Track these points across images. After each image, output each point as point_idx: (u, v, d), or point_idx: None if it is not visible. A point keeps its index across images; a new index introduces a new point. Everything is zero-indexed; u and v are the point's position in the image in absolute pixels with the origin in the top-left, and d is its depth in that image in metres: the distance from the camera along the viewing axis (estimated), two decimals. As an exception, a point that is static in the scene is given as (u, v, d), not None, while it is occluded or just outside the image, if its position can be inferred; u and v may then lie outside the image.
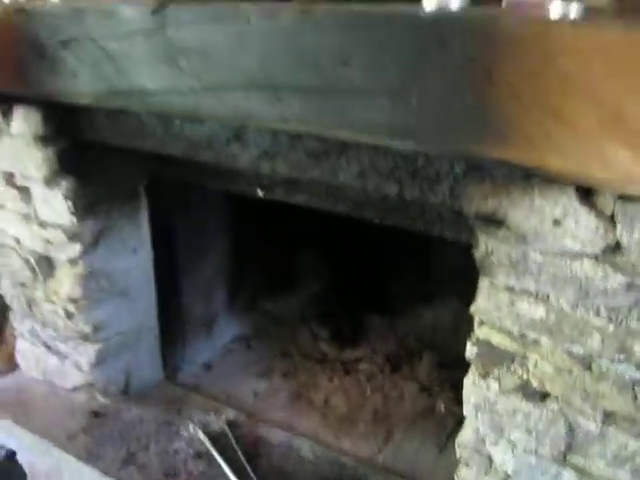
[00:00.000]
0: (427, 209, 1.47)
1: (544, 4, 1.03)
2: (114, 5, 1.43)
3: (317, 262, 2.68)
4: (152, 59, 1.40)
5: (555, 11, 1.01)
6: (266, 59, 1.24)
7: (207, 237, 2.31)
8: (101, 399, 2.17)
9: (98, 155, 1.91)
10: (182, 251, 2.24)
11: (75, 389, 2.21)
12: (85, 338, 2.12)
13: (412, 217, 1.52)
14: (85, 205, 1.97)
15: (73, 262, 2.02)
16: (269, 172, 1.54)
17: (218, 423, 2.10)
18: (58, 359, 2.23)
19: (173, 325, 2.31)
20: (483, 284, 1.32)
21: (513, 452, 1.42)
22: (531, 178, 1.17)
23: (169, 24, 1.33)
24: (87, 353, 2.13)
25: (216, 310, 2.46)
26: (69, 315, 2.10)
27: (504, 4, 1.12)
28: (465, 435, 1.47)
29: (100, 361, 2.13)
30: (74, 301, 2.07)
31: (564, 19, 1.01)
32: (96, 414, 2.13)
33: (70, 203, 1.94)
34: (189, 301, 2.34)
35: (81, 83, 1.54)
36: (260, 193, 1.74)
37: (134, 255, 2.11)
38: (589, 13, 1.05)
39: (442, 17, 1.05)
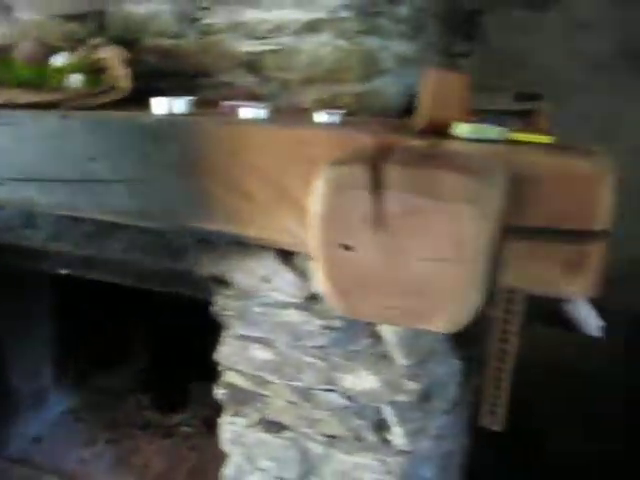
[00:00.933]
0: (194, 277, 1.75)
1: (237, 109, 1.37)
2: None
3: (143, 336, 2.89)
4: (-48, 157, 1.64)
5: (243, 114, 1.35)
6: (38, 156, 1.51)
7: (31, 316, 2.48)
8: None
9: None
10: (6, 330, 2.40)
11: None
12: None
13: (185, 285, 1.78)
14: None
15: None
16: (56, 251, 1.79)
17: (39, 490, 2.24)
18: None
19: (1, 401, 2.45)
20: (224, 334, 1.60)
21: (266, 479, 1.67)
22: (244, 245, 1.47)
23: (-37, 128, 1.60)
24: None
25: (45, 385, 2.61)
26: None
27: (219, 108, 1.46)
28: (228, 468, 1.72)
29: None
30: None
31: (249, 121, 1.33)
32: None
33: None
34: (16, 378, 2.47)
35: None
36: (63, 271, 1.97)
37: (-45, 336, 2.28)
38: (276, 114, 1.39)
39: (159, 122, 1.36)
